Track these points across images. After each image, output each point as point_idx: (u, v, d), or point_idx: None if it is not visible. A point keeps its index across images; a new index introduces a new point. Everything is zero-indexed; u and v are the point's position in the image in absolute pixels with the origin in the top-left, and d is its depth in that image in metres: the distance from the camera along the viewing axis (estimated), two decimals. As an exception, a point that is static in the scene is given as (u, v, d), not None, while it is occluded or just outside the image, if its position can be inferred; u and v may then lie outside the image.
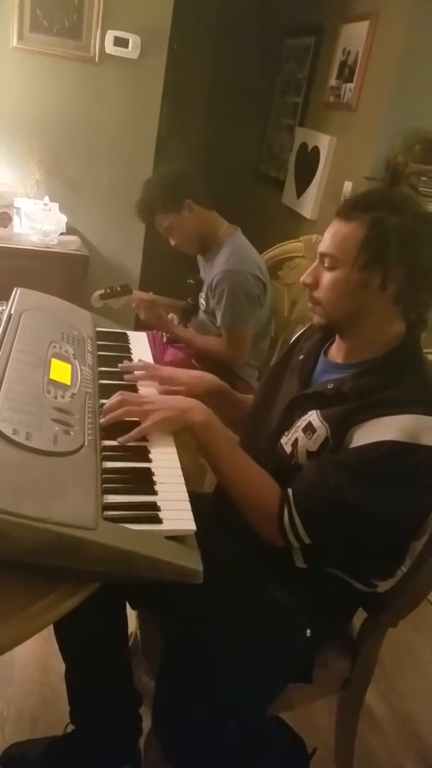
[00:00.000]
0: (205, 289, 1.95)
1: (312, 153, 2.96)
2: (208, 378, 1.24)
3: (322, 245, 1.03)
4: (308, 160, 2.99)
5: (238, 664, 0.97)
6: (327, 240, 1.02)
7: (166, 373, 1.19)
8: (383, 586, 1.13)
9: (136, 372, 1.18)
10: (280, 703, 1.09)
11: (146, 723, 1.29)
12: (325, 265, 1.02)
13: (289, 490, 0.99)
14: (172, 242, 1.93)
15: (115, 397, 1.02)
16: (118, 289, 1.97)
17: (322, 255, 1.03)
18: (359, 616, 1.20)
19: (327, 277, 1.02)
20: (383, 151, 2.39)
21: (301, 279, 1.06)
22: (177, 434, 1.03)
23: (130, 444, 0.96)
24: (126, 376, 1.15)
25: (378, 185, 1.04)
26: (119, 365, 1.18)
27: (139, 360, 1.26)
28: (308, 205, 2.97)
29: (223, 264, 1.84)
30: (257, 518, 1.02)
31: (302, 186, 3.05)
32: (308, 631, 1.05)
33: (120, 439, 0.96)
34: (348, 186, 2.63)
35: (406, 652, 1.79)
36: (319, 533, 0.98)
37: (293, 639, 1.05)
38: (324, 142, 2.85)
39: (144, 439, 0.98)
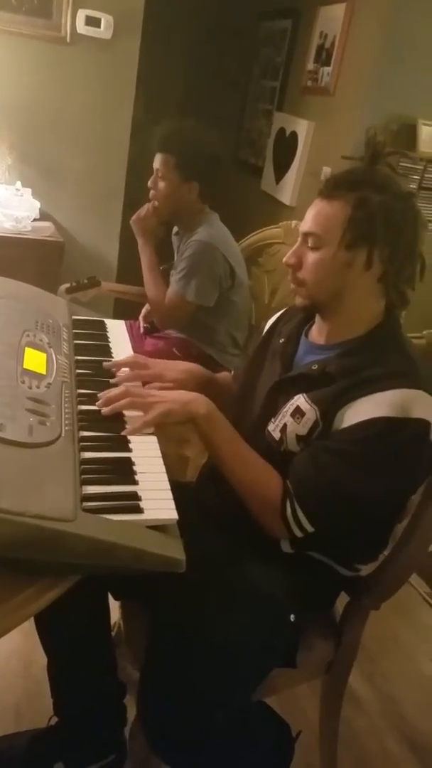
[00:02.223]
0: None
1: (290, 138, 2.94)
2: (196, 371, 1.22)
3: (305, 225, 1.02)
4: (286, 146, 2.96)
5: (223, 652, 0.96)
6: (309, 220, 1.02)
7: (154, 371, 1.16)
8: (366, 570, 1.14)
9: (120, 372, 1.14)
10: (265, 688, 1.09)
11: (131, 713, 1.29)
12: (309, 245, 1.01)
13: (289, 483, 0.99)
14: (150, 186, 1.85)
15: (120, 387, 1.02)
16: (85, 281, 1.93)
17: (306, 235, 1.02)
18: (341, 600, 1.20)
19: (311, 257, 1.01)
20: (362, 137, 2.38)
21: (284, 259, 1.05)
22: (158, 426, 1.01)
23: (109, 434, 0.95)
24: (112, 381, 1.10)
25: (357, 164, 1.03)
26: (104, 364, 1.14)
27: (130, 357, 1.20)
28: (287, 191, 2.95)
29: (197, 236, 1.80)
30: (259, 509, 1.02)
31: (281, 172, 3.03)
32: (292, 615, 1.06)
33: (124, 432, 0.96)
34: (327, 171, 2.62)
35: (387, 634, 1.81)
36: (322, 521, 0.98)
37: (278, 624, 1.05)
38: (302, 128, 2.83)
39: (122, 428, 0.97)
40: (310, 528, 0.98)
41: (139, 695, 1.00)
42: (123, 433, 0.95)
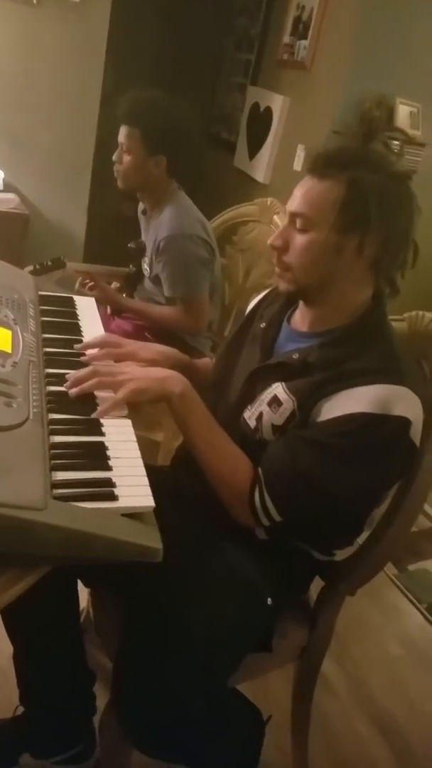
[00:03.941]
0: (149, 253, 1.85)
1: (264, 114, 2.87)
2: (172, 353, 1.17)
3: (292, 204, 0.96)
4: (261, 122, 2.90)
5: (200, 638, 0.94)
6: (298, 199, 0.96)
7: (127, 349, 1.10)
8: (341, 555, 1.13)
9: (91, 351, 1.07)
10: (238, 674, 1.07)
11: (101, 701, 1.26)
12: (297, 226, 0.96)
13: (260, 470, 0.96)
14: (115, 160, 1.77)
15: (87, 367, 0.96)
16: (49, 263, 1.84)
17: (294, 215, 0.96)
18: (315, 586, 1.19)
19: (299, 240, 0.96)
20: (337, 114, 2.34)
21: (269, 241, 0.99)
22: (132, 407, 0.96)
23: (80, 417, 0.90)
24: (83, 359, 1.04)
25: (346, 141, 0.96)
26: (76, 346, 1.08)
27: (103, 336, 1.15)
28: (261, 168, 2.89)
29: (167, 227, 1.73)
30: (228, 495, 0.99)
31: (255, 148, 2.96)
32: (269, 599, 1.04)
33: (95, 414, 0.90)
34: (302, 149, 2.57)
35: (356, 616, 1.82)
36: (291, 512, 0.95)
37: (255, 608, 1.03)
38: (277, 103, 2.77)
39: (93, 410, 0.91)
40: (277, 518, 0.95)
41: (113, 684, 0.97)
42: (93, 416, 0.90)
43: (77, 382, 0.94)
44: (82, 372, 0.95)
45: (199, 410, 0.99)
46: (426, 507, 2.34)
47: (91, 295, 1.72)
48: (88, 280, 1.84)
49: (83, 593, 1.21)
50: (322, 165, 0.93)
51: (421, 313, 1.10)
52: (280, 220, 1.74)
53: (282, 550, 1.05)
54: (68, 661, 1.21)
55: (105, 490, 0.77)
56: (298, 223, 0.95)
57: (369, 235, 0.91)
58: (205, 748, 1.06)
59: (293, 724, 1.31)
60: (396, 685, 1.67)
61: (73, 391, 0.93)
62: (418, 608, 1.94)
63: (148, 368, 1.01)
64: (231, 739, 1.12)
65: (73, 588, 1.19)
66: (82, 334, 1.16)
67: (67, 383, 0.94)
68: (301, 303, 1.06)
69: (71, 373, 0.96)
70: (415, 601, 1.97)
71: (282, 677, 1.29)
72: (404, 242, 0.94)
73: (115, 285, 1.95)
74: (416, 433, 0.94)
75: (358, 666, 1.69)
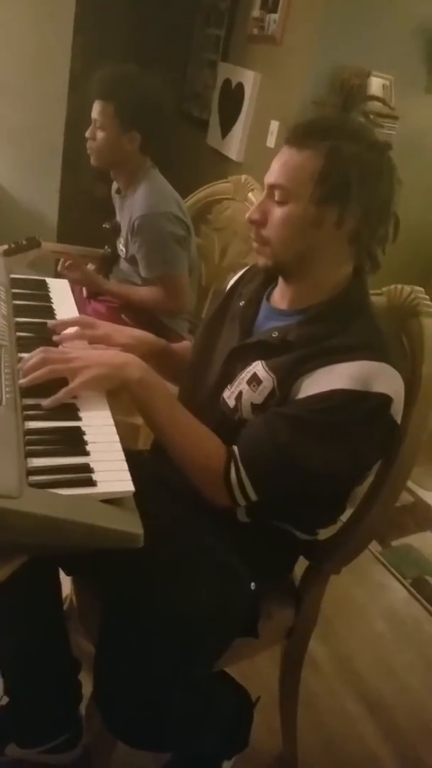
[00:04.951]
0: (123, 233, 1.81)
1: (236, 90, 2.82)
2: (147, 338, 1.13)
3: (271, 176, 0.94)
4: (232, 98, 2.84)
5: (183, 625, 0.92)
6: (276, 170, 0.93)
7: (101, 331, 1.06)
8: (324, 534, 1.12)
9: (65, 331, 1.03)
10: (225, 658, 1.06)
11: (87, 689, 1.25)
12: (276, 198, 0.93)
13: (235, 448, 0.94)
14: (88, 136, 1.72)
15: (36, 355, 0.90)
16: (24, 243, 1.78)
17: (272, 187, 0.93)
18: (300, 566, 1.18)
19: (278, 213, 0.93)
20: (309, 89, 2.30)
21: (247, 215, 0.96)
22: (110, 391, 0.93)
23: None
24: (54, 338, 1.01)
25: (324, 111, 0.93)
26: (48, 323, 1.04)
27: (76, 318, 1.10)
28: (234, 146, 2.84)
29: (141, 205, 1.69)
30: (201, 478, 0.96)
31: (227, 126, 2.91)
32: (253, 584, 1.02)
33: (45, 403, 0.85)
34: (275, 126, 2.53)
35: (340, 594, 1.82)
36: (268, 490, 0.93)
37: (239, 594, 1.01)
38: (248, 79, 2.71)
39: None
40: (254, 496, 0.93)
41: (95, 671, 0.95)
42: (44, 405, 0.84)
43: (26, 372, 0.88)
44: (33, 360, 0.89)
45: (161, 394, 0.95)
46: (408, 483, 2.37)
47: (72, 278, 1.68)
48: (69, 262, 1.79)
49: (67, 580, 1.19)
50: (300, 135, 0.90)
51: (400, 286, 1.08)
52: (254, 198, 1.71)
53: (264, 532, 1.04)
54: (52, 650, 1.19)
55: (82, 476, 0.74)
56: (277, 195, 0.93)
57: (349, 208, 0.89)
58: (192, 733, 1.06)
59: (281, 704, 1.31)
60: (382, 661, 1.69)
61: (22, 381, 0.87)
62: (402, 583, 1.96)
63: (104, 353, 0.97)
64: (218, 722, 1.12)
65: (55, 576, 1.16)
66: (56, 317, 1.13)
67: (21, 373, 0.89)
68: (280, 280, 1.03)
69: (20, 364, 0.90)
70: (399, 576, 1.98)
71: (269, 657, 1.28)
72: (385, 215, 0.92)
73: (90, 267, 1.90)
74: (397, 410, 0.93)
75: (344, 644, 1.70)
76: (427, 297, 1.07)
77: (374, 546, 2.05)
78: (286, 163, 0.92)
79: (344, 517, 1.12)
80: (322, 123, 0.91)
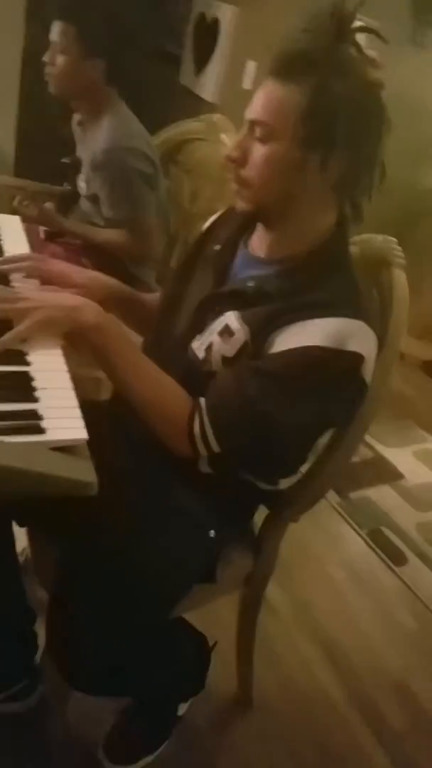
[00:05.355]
0: (85, 168, 1.70)
1: (211, 25, 2.67)
2: (109, 281, 1.07)
3: (252, 111, 0.87)
4: (207, 34, 2.70)
5: (142, 573, 0.92)
6: (258, 104, 0.86)
7: (56, 269, 1.00)
8: (285, 483, 1.12)
9: (15, 264, 0.98)
10: (183, 605, 1.06)
11: (42, 638, 1.25)
12: (257, 135, 0.86)
13: (202, 400, 0.91)
14: (46, 61, 1.59)
15: None
16: None
17: (253, 123, 0.87)
18: (259, 513, 1.19)
19: (259, 152, 0.87)
20: (291, 29, 2.19)
21: (226, 153, 0.90)
22: (66, 337, 0.88)
23: None
24: (1, 267, 0.95)
25: (313, 41, 0.83)
26: None
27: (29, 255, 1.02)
28: (208, 85, 2.72)
29: (105, 139, 1.59)
30: (163, 428, 0.93)
31: (201, 63, 2.77)
32: (212, 531, 1.02)
33: None
34: (252, 66, 2.42)
35: (300, 544, 1.85)
36: (231, 443, 0.91)
37: (198, 541, 1.01)
38: (224, 13, 2.57)
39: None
40: (216, 448, 0.90)
41: (48, 622, 0.93)
42: None
43: None
44: None
45: (119, 340, 0.90)
46: (370, 439, 2.40)
47: (28, 215, 1.59)
48: (27, 201, 1.69)
49: (22, 534, 1.17)
50: (286, 66, 0.83)
51: (372, 235, 1.05)
52: (228, 139, 1.63)
53: (226, 482, 1.02)
54: (6, 600, 1.18)
55: (30, 422, 0.71)
56: (258, 132, 0.86)
57: (334, 152, 0.83)
58: (150, 679, 1.07)
59: (238, 647, 1.33)
60: (338, 606, 1.73)
61: None
62: (359, 534, 2.00)
63: (56, 294, 0.91)
64: (175, 667, 1.13)
65: (7, 527, 1.13)
66: (5, 255, 1.06)
67: None
68: (259, 226, 0.98)
69: None
70: (356, 527, 2.02)
71: (228, 602, 1.30)
72: (372, 162, 0.87)
73: (49, 205, 1.80)
74: (368, 370, 0.90)
75: (301, 590, 1.74)
76: (400, 248, 1.04)
77: (333, 497, 2.08)
78: (269, 97, 0.85)
79: (305, 469, 1.11)
80: (309, 54, 0.83)
